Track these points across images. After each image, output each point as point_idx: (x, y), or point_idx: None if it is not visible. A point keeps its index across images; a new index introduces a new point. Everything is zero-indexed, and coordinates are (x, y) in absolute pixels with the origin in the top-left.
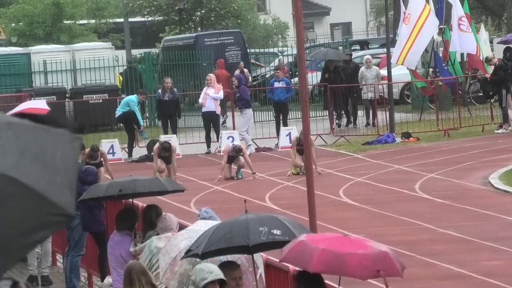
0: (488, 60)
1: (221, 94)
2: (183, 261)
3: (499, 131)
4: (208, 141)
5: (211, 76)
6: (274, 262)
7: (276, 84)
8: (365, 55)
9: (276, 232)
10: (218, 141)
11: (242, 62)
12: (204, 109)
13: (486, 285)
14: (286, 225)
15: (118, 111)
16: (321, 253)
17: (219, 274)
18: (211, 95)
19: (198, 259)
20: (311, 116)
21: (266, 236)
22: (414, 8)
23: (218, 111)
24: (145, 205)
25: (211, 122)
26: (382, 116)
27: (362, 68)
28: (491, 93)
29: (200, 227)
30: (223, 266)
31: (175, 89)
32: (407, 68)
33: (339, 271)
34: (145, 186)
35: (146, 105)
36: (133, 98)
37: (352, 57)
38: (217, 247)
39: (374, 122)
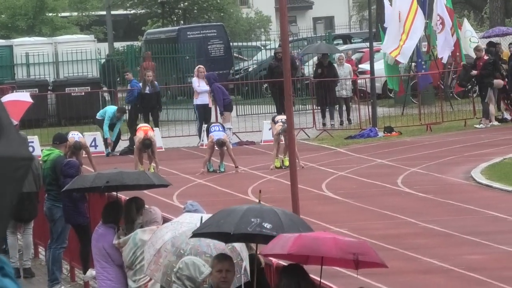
0: (477, 50)
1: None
2: (167, 253)
3: (479, 126)
4: (200, 133)
5: (202, 67)
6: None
7: None
8: (348, 49)
9: (266, 225)
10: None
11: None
12: (197, 101)
13: (467, 279)
14: (280, 220)
15: (98, 115)
16: (298, 237)
17: (207, 267)
18: (203, 88)
19: (182, 251)
20: (294, 110)
21: (253, 228)
22: (402, 5)
23: (210, 104)
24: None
25: (205, 115)
26: (364, 110)
27: (335, 66)
28: (469, 85)
29: (185, 219)
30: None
31: (156, 82)
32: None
33: (314, 250)
34: (132, 179)
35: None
36: (111, 110)
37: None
38: (207, 230)
39: (349, 118)
